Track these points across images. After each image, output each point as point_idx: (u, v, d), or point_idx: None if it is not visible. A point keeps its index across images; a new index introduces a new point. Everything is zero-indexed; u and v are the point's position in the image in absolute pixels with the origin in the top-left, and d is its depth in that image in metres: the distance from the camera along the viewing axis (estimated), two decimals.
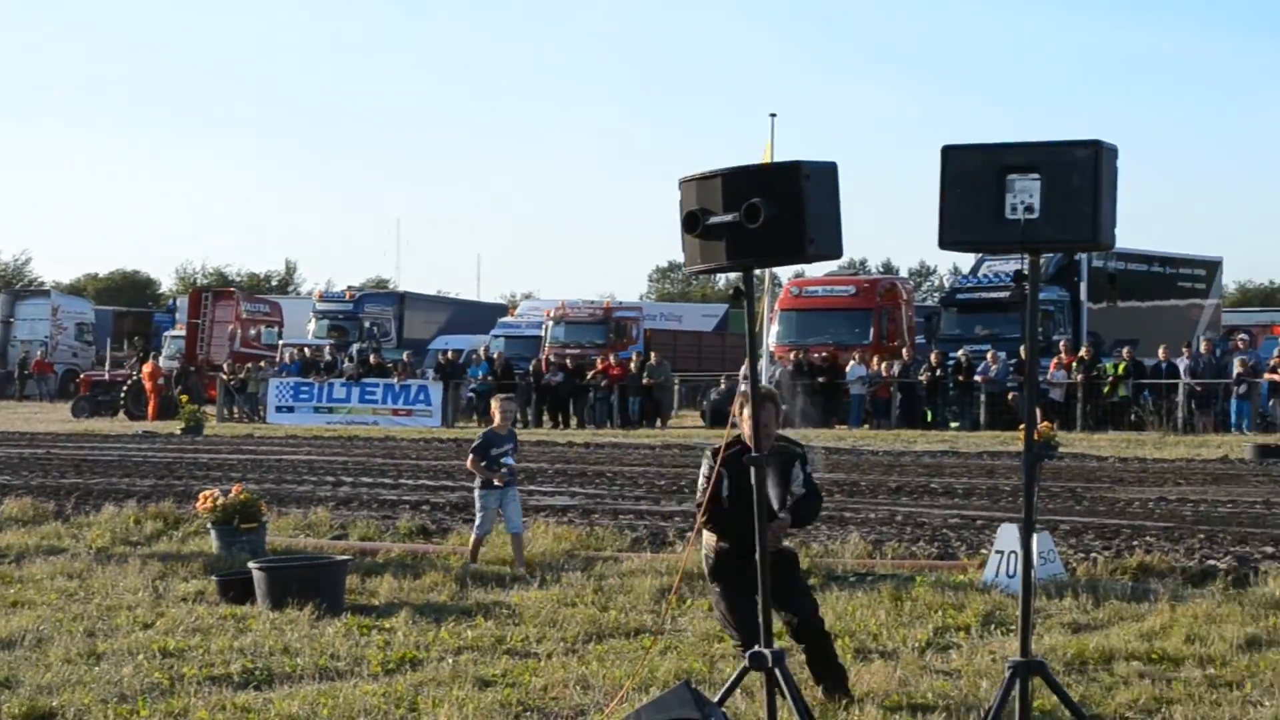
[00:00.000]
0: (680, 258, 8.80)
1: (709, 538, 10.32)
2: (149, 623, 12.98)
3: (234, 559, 16.01)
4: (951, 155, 8.19)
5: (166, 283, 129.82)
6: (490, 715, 9.78)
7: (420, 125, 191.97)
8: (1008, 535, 14.56)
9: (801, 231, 8.09)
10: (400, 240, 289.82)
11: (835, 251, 8.41)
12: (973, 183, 8.10)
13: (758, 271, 10.88)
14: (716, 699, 8.67)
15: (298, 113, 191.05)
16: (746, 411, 9.62)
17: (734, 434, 9.83)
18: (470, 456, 16.29)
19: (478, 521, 16.18)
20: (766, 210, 8.06)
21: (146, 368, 53.87)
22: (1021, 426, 9.08)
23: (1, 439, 39.21)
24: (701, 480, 10.18)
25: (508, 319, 69.77)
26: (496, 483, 15.95)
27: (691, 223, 8.42)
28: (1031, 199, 7.95)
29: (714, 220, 8.32)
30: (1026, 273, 8.36)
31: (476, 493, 16.20)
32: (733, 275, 8.91)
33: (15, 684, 10.64)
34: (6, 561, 16.48)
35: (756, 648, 8.68)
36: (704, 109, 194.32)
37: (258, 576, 13.86)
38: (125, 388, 53.83)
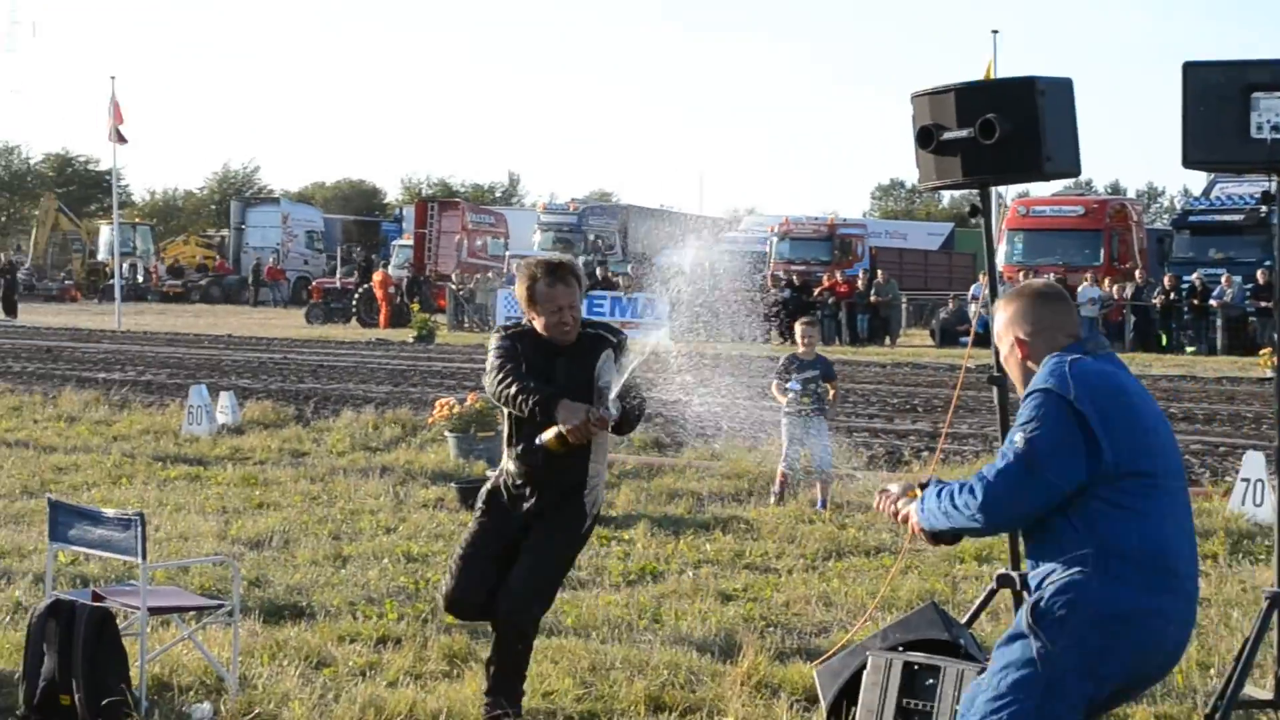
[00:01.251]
0: (904, 175, 8.67)
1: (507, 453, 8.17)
2: (391, 527, 13.19)
3: (471, 467, 16.18)
4: (1193, 72, 7.96)
5: (392, 192, 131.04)
6: (734, 628, 9.77)
7: (641, 40, 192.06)
8: (1254, 463, 14.28)
9: (1038, 148, 7.95)
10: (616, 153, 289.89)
11: (1074, 169, 8.29)
12: (1215, 101, 7.87)
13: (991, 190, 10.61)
14: (964, 620, 8.53)
15: (522, 26, 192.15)
16: (521, 289, 7.93)
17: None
18: (774, 380, 15.11)
19: (782, 452, 15.10)
20: (1002, 126, 7.90)
21: (377, 276, 54.41)
22: (1265, 352, 8.77)
23: (239, 343, 40.16)
24: (494, 360, 7.91)
25: (730, 234, 69.35)
26: (785, 405, 14.88)
27: (926, 138, 8.27)
28: (1278, 118, 7.69)
29: (948, 136, 8.15)
30: (1273, 193, 8.12)
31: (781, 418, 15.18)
32: (964, 192, 8.75)
33: (265, 583, 10.86)
34: (252, 463, 16.81)
35: (1003, 570, 8.48)
36: (922, 25, 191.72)
37: None
38: (357, 295, 54.49)
